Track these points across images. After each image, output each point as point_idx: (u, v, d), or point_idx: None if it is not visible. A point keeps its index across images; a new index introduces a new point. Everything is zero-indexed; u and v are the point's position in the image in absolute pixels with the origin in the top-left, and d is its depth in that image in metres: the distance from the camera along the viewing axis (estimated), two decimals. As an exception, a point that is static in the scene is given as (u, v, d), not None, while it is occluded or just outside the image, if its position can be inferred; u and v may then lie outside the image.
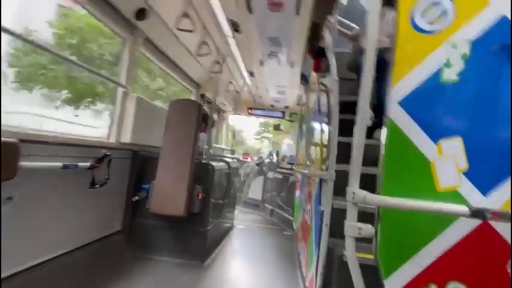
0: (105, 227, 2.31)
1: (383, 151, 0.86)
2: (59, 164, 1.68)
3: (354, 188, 0.86)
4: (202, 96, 4.36)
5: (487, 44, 0.83)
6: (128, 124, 2.43)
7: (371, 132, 1.97)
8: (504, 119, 0.82)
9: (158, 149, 2.46)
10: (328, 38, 1.90)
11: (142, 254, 2.40)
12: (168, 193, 2.33)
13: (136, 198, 2.43)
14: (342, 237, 0.87)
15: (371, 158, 1.04)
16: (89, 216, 2.09)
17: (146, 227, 2.50)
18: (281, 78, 3.92)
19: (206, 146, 2.91)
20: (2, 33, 1.44)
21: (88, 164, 1.91)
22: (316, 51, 2.38)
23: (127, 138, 2.42)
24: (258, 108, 5.89)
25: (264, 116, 6.19)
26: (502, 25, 0.82)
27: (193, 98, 4.18)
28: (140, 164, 2.56)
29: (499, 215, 0.74)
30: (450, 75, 0.84)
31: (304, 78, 3.53)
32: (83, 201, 2.00)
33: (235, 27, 2.56)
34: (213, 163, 2.69)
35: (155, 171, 2.39)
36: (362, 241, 0.88)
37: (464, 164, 0.82)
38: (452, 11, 0.85)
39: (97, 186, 2.00)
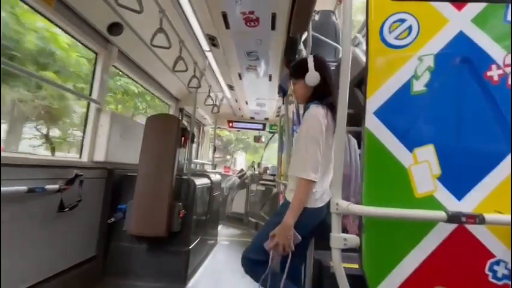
0: (78, 253, 2.13)
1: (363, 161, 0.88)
2: (24, 187, 1.55)
3: (337, 199, 0.86)
4: (181, 110, 4.30)
5: (448, 57, 0.90)
6: (102, 141, 2.31)
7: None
8: (469, 125, 0.88)
9: (135, 167, 2.36)
10: (304, 52, 1.97)
11: (120, 280, 2.24)
12: (147, 213, 2.22)
13: (112, 220, 2.28)
14: (328, 248, 0.87)
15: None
16: (60, 243, 1.93)
17: (124, 251, 2.34)
18: (260, 91, 3.97)
19: (186, 161, 2.84)
20: None
21: (56, 186, 1.78)
22: (293, 64, 2.45)
23: (100, 156, 2.30)
24: (238, 121, 5.91)
25: (245, 128, 6.21)
26: (460, 39, 0.91)
27: (172, 112, 4.11)
28: (116, 184, 2.43)
29: (473, 218, 0.77)
30: (419, 86, 0.89)
31: (282, 90, 3.60)
32: (53, 226, 1.84)
33: (212, 41, 2.58)
34: (194, 179, 2.62)
35: (132, 191, 2.27)
36: (350, 251, 0.88)
37: (437, 170, 0.86)
38: (416, 27, 0.92)
39: (66, 209, 1.85)
